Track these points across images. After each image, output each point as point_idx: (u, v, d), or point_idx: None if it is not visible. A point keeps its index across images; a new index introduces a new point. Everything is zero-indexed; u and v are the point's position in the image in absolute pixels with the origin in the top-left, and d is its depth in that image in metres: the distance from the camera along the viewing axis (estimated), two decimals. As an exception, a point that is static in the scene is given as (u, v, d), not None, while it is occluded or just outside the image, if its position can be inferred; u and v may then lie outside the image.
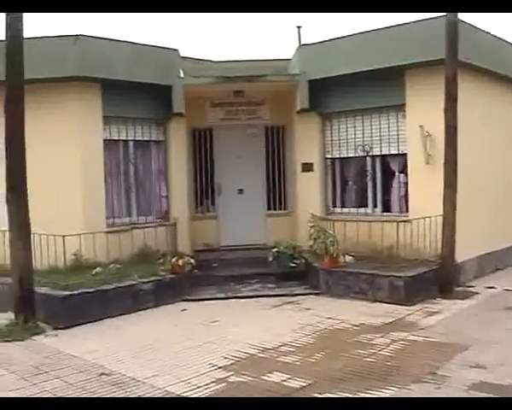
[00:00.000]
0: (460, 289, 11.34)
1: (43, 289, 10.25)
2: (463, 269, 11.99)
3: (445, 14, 10.83)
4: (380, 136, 13.00)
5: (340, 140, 13.80)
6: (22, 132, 9.64)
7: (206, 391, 6.76)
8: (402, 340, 8.40)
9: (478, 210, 12.35)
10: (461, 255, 11.55)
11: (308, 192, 14.11)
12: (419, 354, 7.81)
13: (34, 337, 9.29)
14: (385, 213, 12.92)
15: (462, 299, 10.77)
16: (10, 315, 9.86)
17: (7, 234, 10.02)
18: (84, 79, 12.17)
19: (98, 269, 11.25)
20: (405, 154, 12.48)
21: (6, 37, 9.60)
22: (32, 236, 9.85)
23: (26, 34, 9.75)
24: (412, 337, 8.52)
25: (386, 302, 10.59)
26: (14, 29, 9.57)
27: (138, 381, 7.15)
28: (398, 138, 12.68)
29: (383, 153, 13.03)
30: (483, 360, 7.37)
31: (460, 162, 10.98)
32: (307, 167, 14.14)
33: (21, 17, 9.60)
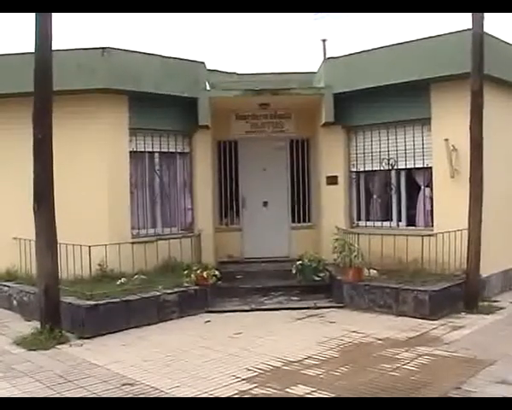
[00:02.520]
0: (485, 303, 11.23)
1: (68, 299, 10.31)
2: (488, 284, 11.90)
3: (470, 27, 10.83)
4: (405, 149, 12.98)
5: (364, 153, 13.79)
6: (50, 143, 9.72)
7: (230, 403, 6.76)
8: (427, 355, 8.35)
9: (503, 224, 12.28)
10: (486, 270, 11.45)
11: (332, 205, 14.08)
12: (444, 369, 7.75)
13: (59, 346, 9.34)
14: (409, 227, 12.87)
15: (488, 314, 10.68)
16: (36, 324, 9.95)
17: (33, 243, 10.11)
18: (111, 91, 12.31)
19: (123, 279, 11.33)
20: (430, 167, 12.46)
21: (35, 49, 9.71)
22: (58, 245, 9.92)
23: (54, 46, 9.86)
24: (437, 352, 8.46)
25: (411, 316, 10.53)
26: (44, 41, 9.68)
27: (162, 391, 7.16)
28: (423, 152, 12.65)
29: (408, 166, 13.00)
30: (509, 375, 7.28)
31: (485, 176, 10.92)
32: (332, 180, 14.14)
33: (51, 29, 9.70)
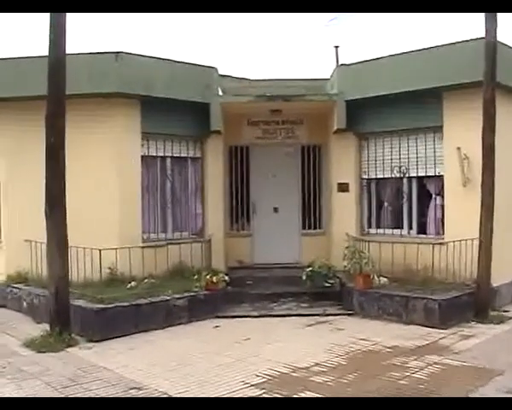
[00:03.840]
0: (495, 313, 11.16)
1: (78, 302, 10.34)
2: (499, 293, 11.82)
3: (483, 36, 10.82)
4: (416, 157, 12.94)
5: (376, 161, 13.77)
6: (62, 147, 9.76)
7: (238, 408, 6.74)
8: (436, 364, 8.32)
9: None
10: (497, 279, 11.38)
11: (343, 212, 14.06)
12: (452, 378, 7.72)
13: (68, 349, 9.38)
14: (420, 235, 12.82)
15: (498, 323, 10.62)
16: (45, 326, 9.99)
17: (44, 246, 10.15)
18: (124, 96, 12.33)
19: (133, 283, 11.35)
20: (442, 176, 12.41)
21: (49, 53, 9.76)
22: (68, 249, 9.96)
23: (67, 50, 9.91)
24: (446, 361, 8.43)
25: (421, 325, 10.49)
26: (58, 46, 9.73)
27: (169, 396, 7.16)
28: (434, 160, 12.61)
29: (419, 174, 12.95)
30: (518, 386, 7.26)
31: (497, 185, 10.89)
32: (343, 187, 14.12)
33: (65, 34, 9.76)
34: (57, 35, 9.74)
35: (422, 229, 12.97)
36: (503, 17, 10.99)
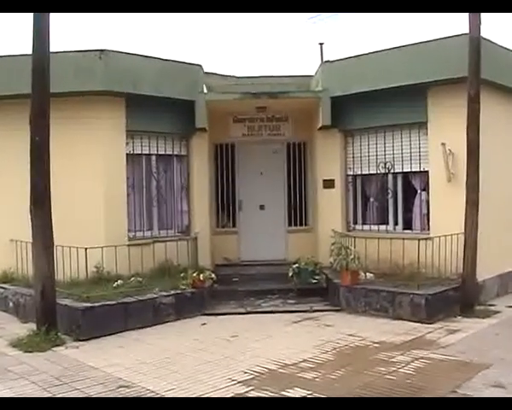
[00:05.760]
0: (481, 307, 11.25)
1: (64, 301, 10.30)
2: (485, 288, 11.91)
3: (467, 31, 10.86)
4: (401, 153, 12.98)
5: (361, 157, 13.80)
6: (47, 145, 9.72)
7: (226, 405, 6.74)
8: (422, 358, 8.35)
9: (500, 229, 12.28)
10: (482, 274, 11.47)
11: (329, 209, 14.08)
12: (440, 372, 7.75)
13: (55, 349, 9.33)
14: (406, 231, 12.87)
15: (484, 318, 10.69)
16: (32, 326, 9.94)
17: (30, 245, 10.10)
18: (108, 94, 12.29)
19: (119, 282, 11.31)
20: (427, 171, 12.46)
21: (33, 49, 9.70)
22: (54, 247, 9.91)
23: (52, 48, 9.86)
24: (433, 356, 8.46)
25: (407, 320, 10.54)
26: (41, 41, 9.68)
27: (158, 394, 7.14)
28: (419, 156, 12.65)
29: (405, 170, 13.00)
30: (505, 379, 7.27)
31: (482, 180, 10.95)
32: (328, 184, 14.14)
33: (48, 30, 9.71)
34: (41, 33, 9.68)
35: (408, 224, 13.03)
36: (487, 14, 11.04)
